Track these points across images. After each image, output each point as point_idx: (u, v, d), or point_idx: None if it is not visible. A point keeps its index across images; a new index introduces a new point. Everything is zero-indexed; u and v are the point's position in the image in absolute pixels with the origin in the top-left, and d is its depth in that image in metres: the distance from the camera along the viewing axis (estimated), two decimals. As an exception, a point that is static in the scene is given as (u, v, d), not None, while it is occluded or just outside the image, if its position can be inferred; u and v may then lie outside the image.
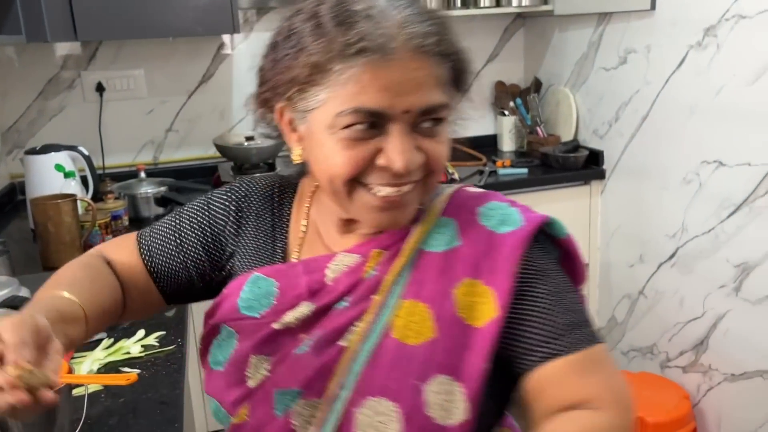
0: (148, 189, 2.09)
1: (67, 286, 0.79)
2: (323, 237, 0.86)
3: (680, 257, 2.06)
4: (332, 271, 0.80)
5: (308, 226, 0.88)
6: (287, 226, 0.89)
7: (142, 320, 1.28)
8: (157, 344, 1.22)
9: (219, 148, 2.29)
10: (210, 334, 0.86)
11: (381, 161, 0.71)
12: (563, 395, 0.72)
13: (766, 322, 1.77)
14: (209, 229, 0.90)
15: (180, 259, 0.90)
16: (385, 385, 0.73)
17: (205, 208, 0.91)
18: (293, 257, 0.86)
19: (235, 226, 0.89)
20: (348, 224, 0.83)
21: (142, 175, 2.15)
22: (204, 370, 0.87)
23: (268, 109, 0.80)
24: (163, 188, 2.10)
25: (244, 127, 2.46)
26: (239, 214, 0.90)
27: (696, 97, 1.92)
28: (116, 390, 1.06)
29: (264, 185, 0.92)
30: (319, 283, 0.80)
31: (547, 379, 0.73)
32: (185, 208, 0.93)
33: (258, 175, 0.96)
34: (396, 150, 0.70)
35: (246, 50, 2.45)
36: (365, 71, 0.68)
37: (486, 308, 0.74)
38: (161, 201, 2.06)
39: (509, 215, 0.79)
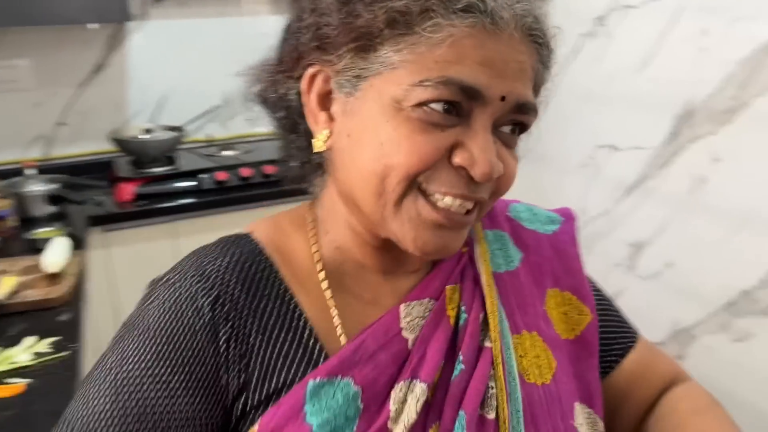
0: (37, 186, 1.95)
1: None
2: (354, 293, 0.62)
3: (581, 239, 2.14)
4: (409, 331, 0.59)
5: (328, 283, 0.61)
6: (291, 301, 0.60)
7: (32, 326, 1.20)
8: (51, 350, 1.14)
9: (115, 141, 2.18)
10: None
11: (457, 159, 0.53)
12: (660, 374, 0.70)
13: (657, 296, 1.88)
14: (196, 381, 0.55)
15: None
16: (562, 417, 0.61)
17: (188, 337, 0.56)
18: (340, 338, 0.59)
19: (232, 349, 0.56)
20: (383, 260, 0.62)
21: (31, 171, 2.02)
22: None
23: (289, 74, 0.59)
24: (54, 185, 1.98)
25: (141, 120, 2.36)
26: (231, 329, 0.57)
27: (591, 84, 2.00)
28: (2, 403, 0.98)
29: (224, 273, 0.59)
30: (405, 352, 0.58)
31: (641, 365, 0.70)
32: (143, 361, 0.55)
33: (184, 274, 0.59)
34: (481, 147, 0.52)
35: (142, 40, 2.34)
36: (469, 35, 0.50)
37: (579, 316, 0.67)
38: (53, 199, 1.94)
39: (539, 213, 0.74)
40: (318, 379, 0.55)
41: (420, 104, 0.52)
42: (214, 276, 0.58)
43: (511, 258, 0.68)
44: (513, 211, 0.74)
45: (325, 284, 0.61)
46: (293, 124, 0.62)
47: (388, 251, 0.60)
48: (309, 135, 0.60)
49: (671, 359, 0.74)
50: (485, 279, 0.64)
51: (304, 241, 0.63)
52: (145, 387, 0.54)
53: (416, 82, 0.51)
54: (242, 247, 0.61)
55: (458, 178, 0.54)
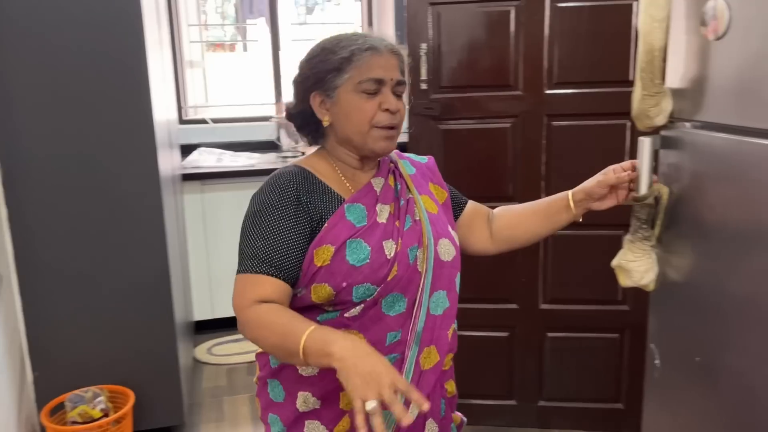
0: None
1: (303, 321, 1.10)
2: (349, 181, 1.31)
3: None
4: (377, 188, 1.30)
5: (342, 178, 1.31)
6: (327, 187, 1.28)
7: None
8: None
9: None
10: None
11: (383, 106, 1.22)
12: (484, 210, 1.49)
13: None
14: (303, 213, 1.21)
15: (301, 254, 1.20)
16: (444, 233, 1.33)
17: (286, 199, 1.21)
18: (351, 191, 1.29)
19: (306, 198, 1.23)
20: (361, 164, 1.30)
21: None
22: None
23: (305, 99, 1.26)
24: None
25: None
26: (301, 190, 1.24)
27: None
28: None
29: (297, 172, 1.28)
30: (376, 194, 1.29)
31: (473, 209, 1.48)
32: (268, 213, 1.20)
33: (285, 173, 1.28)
34: (389, 98, 1.23)
35: None
36: (371, 58, 1.21)
37: (442, 193, 1.42)
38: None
39: (417, 156, 1.47)
40: (347, 204, 1.24)
41: (363, 90, 1.22)
42: (290, 173, 1.26)
43: (412, 169, 1.40)
44: (406, 156, 1.45)
45: (342, 177, 1.30)
46: (307, 119, 1.31)
47: (362, 160, 1.30)
48: (317, 122, 1.29)
49: (487, 207, 1.50)
50: (405, 175, 1.36)
51: (326, 163, 1.31)
52: (276, 220, 1.21)
53: (357, 81, 1.21)
54: (294, 168, 1.28)
55: (386, 115, 1.23)
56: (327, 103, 1.25)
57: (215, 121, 3.93)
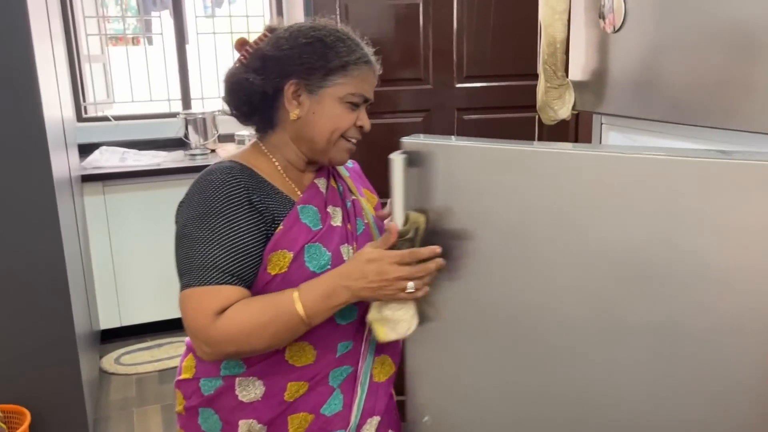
0: None
1: (280, 297, 1.07)
2: (293, 182, 1.20)
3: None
4: (322, 188, 1.21)
5: (285, 178, 1.19)
6: (271, 186, 1.15)
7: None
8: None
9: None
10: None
11: (359, 122, 1.16)
12: None
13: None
14: (257, 215, 1.10)
15: (259, 260, 1.09)
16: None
17: (237, 199, 1.08)
18: (298, 193, 1.18)
19: (257, 198, 1.11)
20: (307, 165, 1.20)
21: None
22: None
23: (278, 81, 1.12)
24: None
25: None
26: (251, 189, 1.12)
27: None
28: None
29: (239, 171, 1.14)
30: (323, 194, 1.20)
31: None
32: (219, 214, 1.07)
33: (224, 168, 1.14)
34: (365, 116, 1.17)
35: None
36: (367, 73, 1.15)
37: (373, 198, 1.33)
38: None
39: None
40: (300, 206, 1.14)
41: (350, 101, 1.13)
42: (232, 170, 1.12)
43: (346, 171, 1.31)
44: None
45: (285, 176, 1.18)
46: (268, 103, 1.15)
47: (309, 163, 1.20)
48: (275, 109, 1.16)
49: None
50: (345, 176, 1.29)
51: (266, 160, 1.18)
52: (227, 225, 1.07)
53: (349, 93, 1.13)
54: (234, 165, 1.13)
55: (357, 131, 1.17)
56: (304, 98, 1.13)
57: (118, 118, 3.73)
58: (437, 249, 1.01)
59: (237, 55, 1.19)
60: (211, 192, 1.08)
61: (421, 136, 1.05)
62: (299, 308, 1.03)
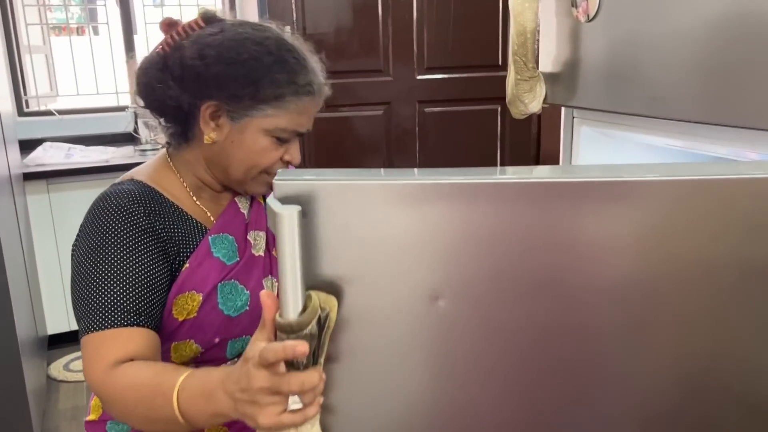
0: None
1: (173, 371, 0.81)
2: (206, 204, 1.05)
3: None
4: (245, 211, 1.07)
5: (195, 201, 1.04)
6: (178, 209, 1.01)
7: None
8: None
9: None
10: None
11: (287, 157, 0.99)
12: None
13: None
14: (161, 247, 0.95)
15: (165, 300, 0.94)
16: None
17: (137, 227, 0.93)
18: (211, 218, 1.04)
19: (160, 226, 0.97)
20: (221, 187, 1.04)
21: None
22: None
23: (194, 98, 0.94)
24: None
25: None
26: (154, 216, 0.97)
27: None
28: None
29: (138, 195, 0.97)
30: (245, 219, 1.06)
31: None
32: (117, 246, 0.91)
33: (120, 192, 0.97)
34: (295, 150, 1.01)
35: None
36: (307, 105, 0.97)
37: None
38: None
39: None
40: (212, 236, 1.00)
41: (276, 136, 0.97)
42: (131, 194, 0.95)
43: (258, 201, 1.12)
44: None
45: (194, 199, 1.03)
46: (182, 117, 0.99)
47: (224, 185, 1.04)
48: (190, 125, 0.99)
49: None
50: (260, 200, 1.11)
51: (174, 178, 1.02)
52: (131, 260, 0.92)
53: (279, 127, 0.96)
54: (134, 186, 0.97)
55: (282, 165, 1.00)
56: (224, 121, 0.95)
57: (63, 112, 3.56)
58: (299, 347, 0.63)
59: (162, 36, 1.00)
60: (106, 220, 0.92)
61: (305, 171, 0.64)
62: (174, 401, 0.76)
